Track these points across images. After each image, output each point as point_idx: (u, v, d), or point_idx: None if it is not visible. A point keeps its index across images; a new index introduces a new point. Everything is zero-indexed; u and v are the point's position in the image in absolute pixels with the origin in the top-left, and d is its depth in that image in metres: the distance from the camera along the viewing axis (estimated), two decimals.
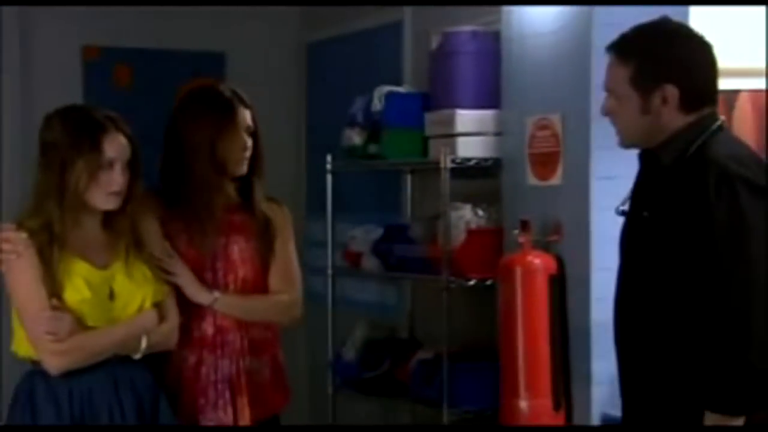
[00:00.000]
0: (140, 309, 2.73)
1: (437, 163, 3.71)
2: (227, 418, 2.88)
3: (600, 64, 3.33)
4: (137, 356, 2.72)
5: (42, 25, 4.76)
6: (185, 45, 4.98)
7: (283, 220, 3.01)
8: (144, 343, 2.71)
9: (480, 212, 3.74)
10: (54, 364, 2.62)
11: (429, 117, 3.89)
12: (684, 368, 2.36)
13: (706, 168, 2.34)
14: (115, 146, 2.67)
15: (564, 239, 3.45)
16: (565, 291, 3.44)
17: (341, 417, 4.33)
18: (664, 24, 2.54)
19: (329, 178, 4.27)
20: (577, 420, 3.44)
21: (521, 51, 3.62)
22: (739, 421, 2.30)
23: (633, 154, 3.21)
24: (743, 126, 3.90)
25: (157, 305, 2.76)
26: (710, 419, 2.31)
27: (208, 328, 2.91)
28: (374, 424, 4.41)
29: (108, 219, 2.74)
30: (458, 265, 3.67)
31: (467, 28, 3.87)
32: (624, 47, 2.51)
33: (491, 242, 3.69)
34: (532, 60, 3.58)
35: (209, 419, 2.89)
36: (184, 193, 2.89)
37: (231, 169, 2.90)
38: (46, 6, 4.71)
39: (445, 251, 3.67)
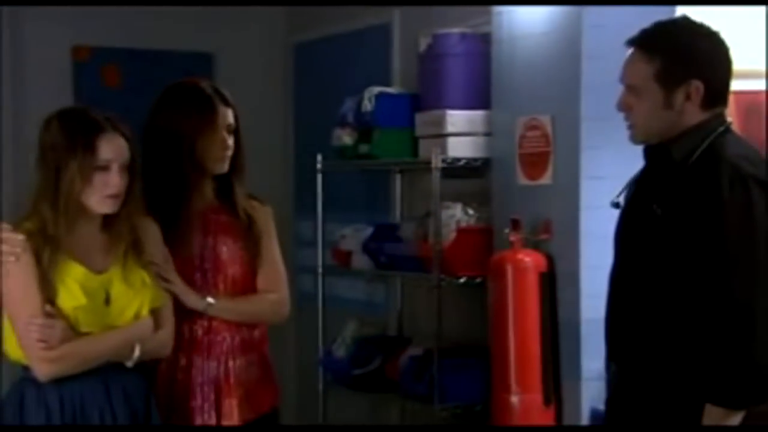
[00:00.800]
0: (137, 316, 2.66)
1: (428, 162, 3.77)
2: (211, 422, 2.86)
3: (589, 65, 3.44)
4: (130, 364, 2.66)
5: (32, 25, 4.78)
6: (174, 45, 5.01)
7: (266, 219, 3.00)
8: (137, 352, 2.65)
9: (470, 211, 3.80)
10: (44, 372, 2.57)
11: (420, 117, 3.94)
12: (684, 361, 2.41)
13: (719, 166, 2.38)
14: (112, 148, 2.60)
15: (554, 237, 3.51)
16: (555, 288, 3.50)
17: (331, 413, 4.38)
18: (685, 21, 2.56)
19: (320, 177, 4.33)
20: (567, 415, 3.50)
21: (511, 52, 3.68)
22: (739, 415, 2.35)
23: (622, 154, 3.28)
24: None
25: (154, 312, 2.70)
26: (711, 412, 2.36)
27: (199, 329, 2.89)
28: (364, 420, 4.46)
29: (106, 222, 2.67)
30: (449, 263, 3.73)
31: (456, 30, 3.93)
32: (649, 43, 2.51)
33: (481, 241, 3.75)
34: (522, 61, 3.65)
35: (197, 423, 2.86)
36: (163, 191, 2.84)
37: (210, 167, 2.87)
38: (36, 6, 4.73)
39: (436, 250, 3.72)
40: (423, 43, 4.13)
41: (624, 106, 2.57)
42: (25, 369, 2.61)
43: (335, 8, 4.79)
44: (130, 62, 4.97)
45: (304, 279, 4.71)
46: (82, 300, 2.58)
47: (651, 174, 2.56)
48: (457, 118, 3.80)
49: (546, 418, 3.50)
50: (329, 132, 4.22)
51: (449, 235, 3.76)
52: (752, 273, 2.33)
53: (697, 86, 2.46)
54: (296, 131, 5.24)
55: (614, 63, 3.36)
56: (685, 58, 2.48)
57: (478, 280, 3.73)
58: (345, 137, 4.14)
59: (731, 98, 3.01)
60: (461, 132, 3.80)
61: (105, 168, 2.58)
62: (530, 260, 3.48)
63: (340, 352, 4.19)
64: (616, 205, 2.63)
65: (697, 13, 3.46)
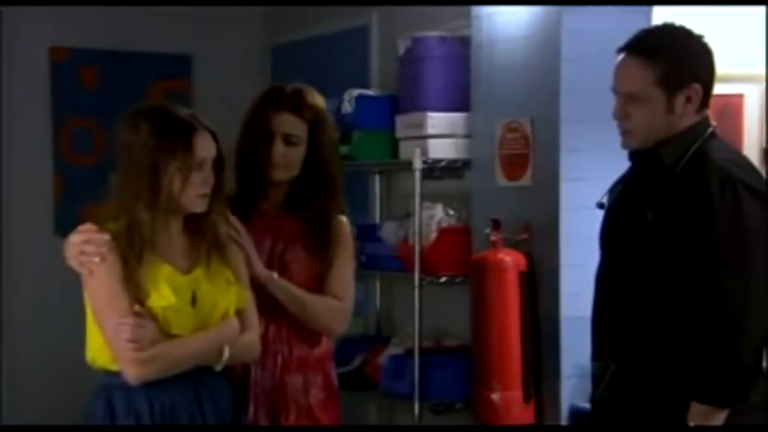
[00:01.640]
0: (224, 316, 2.56)
1: (409, 163, 3.82)
2: None
3: (568, 68, 3.52)
4: (219, 368, 2.55)
5: (10, 25, 4.78)
6: (152, 47, 5.03)
7: (340, 230, 2.87)
8: (226, 354, 2.53)
9: (450, 212, 3.86)
10: (135, 374, 2.46)
11: (400, 119, 4.00)
12: (673, 360, 2.46)
13: (709, 172, 2.43)
14: (205, 145, 2.53)
15: (533, 238, 3.58)
16: (535, 287, 3.57)
17: None
18: (675, 26, 2.59)
19: None
20: (547, 412, 3.57)
21: (491, 56, 3.75)
22: (724, 414, 2.42)
23: (601, 155, 3.38)
24: None
25: (239, 313, 2.59)
26: (696, 410, 2.43)
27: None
28: (345, 419, 4.49)
29: (189, 221, 2.58)
30: (430, 262, 3.79)
31: (435, 33, 3.99)
32: (649, 48, 2.52)
33: (462, 241, 3.81)
34: (502, 64, 3.71)
35: None
36: (236, 193, 2.80)
37: (267, 174, 2.82)
38: (14, 6, 4.73)
39: (417, 249, 3.78)
40: (402, 46, 4.18)
41: (622, 114, 2.55)
42: (110, 375, 2.51)
43: (313, 11, 4.83)
44: (109, 63, 4.98)
45: None
46: (171, 300, 2.49)
47: (639, 177, 2.58)
48: (437, 120, 3.85)
49: (526, 414, 3.56)
50: None
51: (430, 235, 3.81)
52: (741, 276, 2.39)
53: (696, 89, 2.52)
54: None
55: (593, 66, 3.48)
56: (686, 62, 2.52)
57: (459, 279, 3.79)
58: None
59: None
60: (442, 134, 3.86)
61: (200, 166, 2.52)
62: (510, 260, 3.54)
63: None
64: (601, 205, 2.67)
65: (672, 17, 3.56)
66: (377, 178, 4.44)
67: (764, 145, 3.89)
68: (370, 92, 4.22)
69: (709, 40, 2.61)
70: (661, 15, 3.54)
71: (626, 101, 2.55)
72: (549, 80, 3.53)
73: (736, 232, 2.40)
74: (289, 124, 2.80)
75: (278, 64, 5.22)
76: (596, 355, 2.64)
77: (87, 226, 2.52)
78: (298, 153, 2.79)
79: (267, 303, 2.73)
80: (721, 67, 2.62)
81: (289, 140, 2.79)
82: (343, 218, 2.87)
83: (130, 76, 5.00)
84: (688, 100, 2.51)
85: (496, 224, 3.58)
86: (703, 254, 2.41)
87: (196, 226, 2.58)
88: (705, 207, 2.41)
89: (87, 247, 2.47)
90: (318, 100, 2.89)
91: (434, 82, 3.92)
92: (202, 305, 2.54)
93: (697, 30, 2.63)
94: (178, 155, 2.48)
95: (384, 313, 4.44)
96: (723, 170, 2.44)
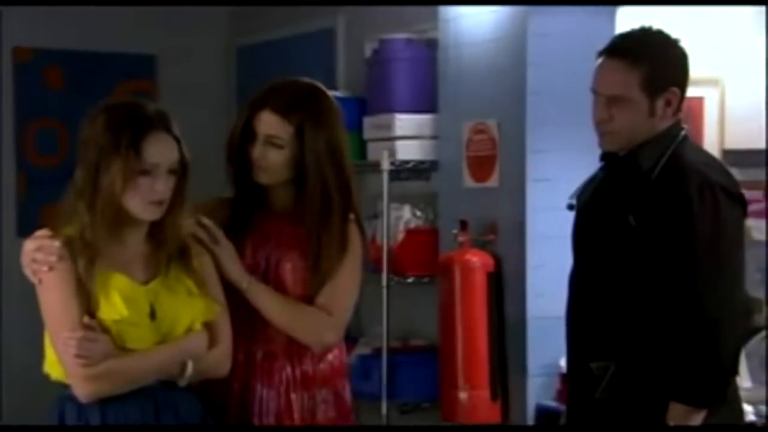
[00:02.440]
0: (188, 330, 2.37)
1: (376, 164, 3.85)
2: None
3: (534, 71, 3.57)
4: (182, 383, 2.36)
5: None
6: (117, 47, 5.02)
7: (346, 237, 2.62)
8: (190, 369, 2.35)
9: (418, 213, 3.90)
10: (84, 391, 2.29)
11: (368, 121, 4.03)
12: (653, 361, 2.48)
13: (688, 176, 2.46)
14: (159, 149, 2.31)
15: (500, 238, 3.62)
16: (502, 287, 3.61)
17: None
18: (652, 30, 2.60)
19: None
20: (513, 410, 3.62)
21: (458, 59, 3.79)
22: (702, 414, 2.45)
23: (567, 157, 3.44)
24: None
25: (208, 326, 2.40)
26: (675, 410, 2.45)
27: (258, 352, 2.55)
28: None
29: (153, 230, 2.38)
30: (398, 263, 3.83)
31: (402, 35, 4.03)
32: (633, 51, 2.53)
33: (429, 241, 3.85)
34: (469, 67, 3.75)
35: None
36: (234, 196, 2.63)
37: (254, 175, 2.57)
38: None
39: (385, 250, 3.81)
40: (368, 48, 4.21)
41: (604, 116, 2.54)
42: (67, 387, 2.34)
43: (280, 12, 4.84)
44: (73, 64, 4.96)
45: None
46: (123, 312, 2.31)
47: (615, 180, 2.59)
48: (405, 122, 3.89)
49: (493, 413, 3.60)
50: None
51: (398, 235, 3.85)
52: (721, 278, 2.43)
53: (675, 93, 2.54)
54: None
55: (558, 69, 3.54)
56: (667, 66, 2.54)
57: (426, 279, 3.83)
58: None
59: None
60: (409, 135, 3.89)
61: (150, 172, 2.31)
62: (478, 260, 3.58)
63: None
64: (570, 207, 2.69)
65: (634, 19, 3.61)
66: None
67: (723, 146, 3.97)
68: (337, 94, 4.22)
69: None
70: (624, 18, 3.62)
71: (609, 103, 2.54)
72: (515, 83, 3.58)
73: (715, 235, 2.43)
74: (272, 125, 2.55)
75: (244, 65, 5.23)
76: (574, 357, 2.64)
77: (42, 232, 2.36)
78: (283, 156, 2.55)
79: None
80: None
81: (272, 142, 2.55)
82: (352, 226, 2.62)
83: (95, 76, 4.98)
84: (668, 103, 2.54)
85: (463, 225, 3.62)
86: (684, 258, 2.44)
87: (156, 235, 2.39)
88: (685, 211, 2.43)
89: (38, 255, 2.32)
90: (316, 98, 2.65)
91: (401, 84, 3.96)
92: (163, 318, 2.35)
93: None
94: (121, 155, 2.28)
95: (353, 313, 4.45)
96: (701, 174, 2.47)
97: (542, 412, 3.52)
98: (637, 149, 2.55)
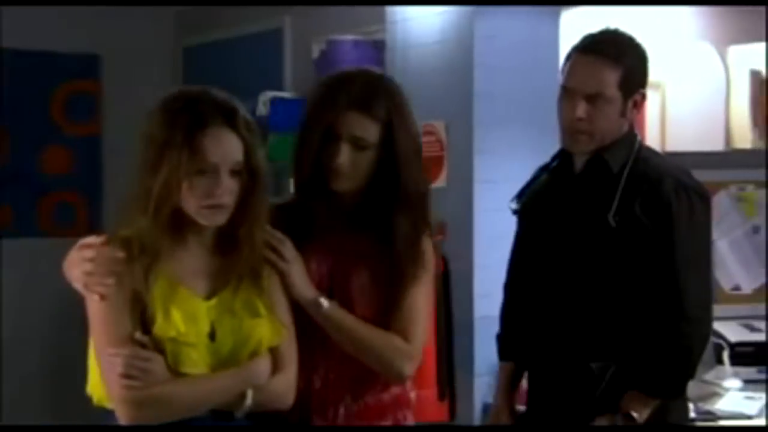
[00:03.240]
0: (252, 354, 2.10)
1: None
2: None
3: (481, 73, 3.60)
4: (239, 415, 2.08)
5: None
6: (60, 47, 4.97)
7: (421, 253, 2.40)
8: (249, 400, 2.07)
9: None
10: (126, 417, 2.00)
11: None
12: (624, 355, 2.51)
13: (662, 179, 2.49)
14: (217, 147, 2.04)
15: (448, 239, 3.64)
16: (449, 287, 3.63)
17: None
18: (621, 31, 2.59)
19: None
20: (460, 409, 3.64)
21: (405, 60, 3.81)
22: (656, 402, 2.49)
23: (514, 157, 3.48)
24: None
25: (273, 351, 2.13)
26: (632, 398, 2.48)
27: (317, 380, 2.29)
28: None
29: (221, 240, 2.12)
30: None
31: (349, 36, 4.04)
32: (614, 50, 2.50)
33: None
34: (416, 69, 3.77)
35: None
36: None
37: (328, 179, 2.30)
38: None
39: None
40: (316, 49, 4.22)
41: (582, 115, 2.49)
42: (107, 413, 2.07)
43: (226, 13, 4.83)
44: (14, 63, 4.90)
45: None
46: (181, 328, 2.04)
47: (583, 182, 2.58)
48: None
49: (440, 412, 3.61)
50: None
51: None
52: (699, 279, 2.49)
53: (642, 95, 2.57)
54: None
55: (505, 71, 3.58)
56: (640, 67, 2.56)
57: None
58: None
59: None
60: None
61: (207, 172, 2.05)
62: None
63: None
64: (515, 212, 2.71)
65: (578, 22, 3.65)
66: (291, 181, 4.43)
67: (664, 148, 4.04)
68: (284, 95, 4.23)
69: None
70: (567, 21, 3.67)
71: (584, 101, 2.49)
72: (462, 84, 3.61)
73: (692, 236, 2.48)
74: (358, 124, 2.26)
75: (190, 66, 5.21)
76: (548, 356, 2.65)
77: (94, 239, 2.07)
78: (367, 159, 2.26)
79: (323, 336, 2.26)
80: None
81: (357, 144, 2.26)
82: (428, 240, 2.38)
83: (37, 76, 4.93)
84: (635, 104, 2.55)
85: None
86: (665, 258, 2.47)
87: (225, 245, 2.11)
88: (664, 214, 2.46)
89: (90, 266, 2.03)
90: (396, 89, 2.36)
91: None
92: (223, 340, 2.07)
93: None
94: (174, 153, 2.01)
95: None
96: (674, 177, 2.51)
97: (489, 411, 3.54)
98: (604, 151, 2.54)
